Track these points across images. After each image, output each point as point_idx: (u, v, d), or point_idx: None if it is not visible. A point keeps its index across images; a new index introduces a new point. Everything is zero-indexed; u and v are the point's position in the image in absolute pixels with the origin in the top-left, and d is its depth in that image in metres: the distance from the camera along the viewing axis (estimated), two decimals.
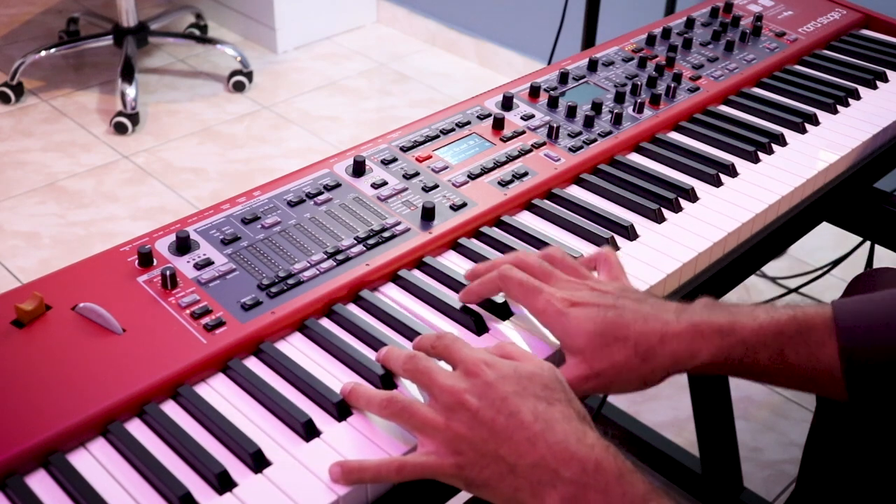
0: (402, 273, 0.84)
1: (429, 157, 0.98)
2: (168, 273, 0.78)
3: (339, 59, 3.05)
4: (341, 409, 0.70)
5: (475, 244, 0.89)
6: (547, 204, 0.95)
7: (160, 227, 0.86)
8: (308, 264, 0.82)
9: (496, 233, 0.91)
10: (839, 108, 1.17)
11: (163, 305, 0.77)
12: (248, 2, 3.07)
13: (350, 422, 0.69)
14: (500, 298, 0.81)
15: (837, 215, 1.26)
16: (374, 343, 0.76)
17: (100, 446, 0.67)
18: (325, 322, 0.79)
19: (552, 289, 0.76)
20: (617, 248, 0.89)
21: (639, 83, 1.13)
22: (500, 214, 0.93)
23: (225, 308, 0.77)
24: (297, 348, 0.76)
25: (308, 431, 0.68)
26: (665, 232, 0.92)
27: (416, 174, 0.95)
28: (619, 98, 1.11)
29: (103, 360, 0.71)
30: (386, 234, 0.86)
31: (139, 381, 0.70)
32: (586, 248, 0.89)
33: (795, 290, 1.99)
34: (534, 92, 1.11)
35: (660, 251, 0.90)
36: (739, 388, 1.83)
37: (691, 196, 0.98)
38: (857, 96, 1.20)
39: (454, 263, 0.87)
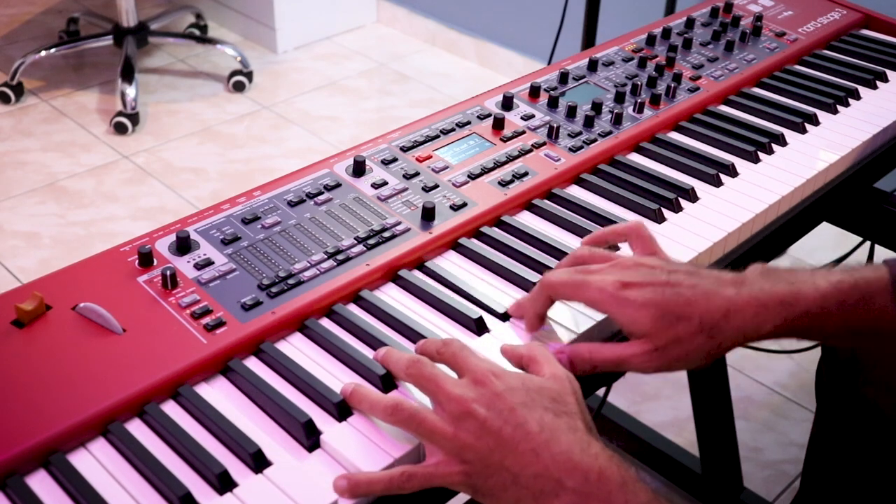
0: (403, 273, 0.84)
1: (429, 157, 0.98)
2: (168, 273, 0.78)
3: (339, 59, 3.05)
4: (341, 409, 0.70)
5: (475, 244, 0.89)
6: (547, 204, 0.95)
7: (160, 227, 0.86)
8: (308, 264, 0.82)
9: (496, 233, 0.91)
10: (839, 108, 1.17)
11: (163, 305, 0.77)
12: (248, 2, 3.07)
13: (350, 422, 0.69)
14: (501, 309, 0.80)
15: (837, 215, 1.26)
16: (375, 343, 0.76)
17: (100, 446, 0.67)
18: (326, 322, 0.79)
19: (598, 276, 0.74)
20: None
21: (639, 83, 1.13)
22: (500, 214, 0.93)
23: (225, 308, 0.77)
24: (297, 348, 0.76)
25: (308, 432, 0.68)
26: (665, 232, 0.92)
27: (417, 174, 0.95)
28: (620, 98, 1.11)
29: (103, 360, 0.71)
30: (386, 234, 0.86)
31: (139, 381, 0.70)
32: None
33: None
34: (534, 92, 1.11)
35: None
36: (739, 388, 1.83)
37: (691, 196, 0.98)
38: (857, 96, 1.20)
39: (454, 263, 0.87)
